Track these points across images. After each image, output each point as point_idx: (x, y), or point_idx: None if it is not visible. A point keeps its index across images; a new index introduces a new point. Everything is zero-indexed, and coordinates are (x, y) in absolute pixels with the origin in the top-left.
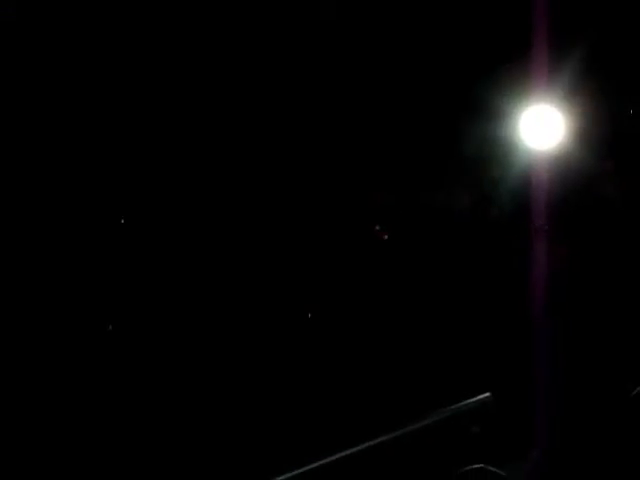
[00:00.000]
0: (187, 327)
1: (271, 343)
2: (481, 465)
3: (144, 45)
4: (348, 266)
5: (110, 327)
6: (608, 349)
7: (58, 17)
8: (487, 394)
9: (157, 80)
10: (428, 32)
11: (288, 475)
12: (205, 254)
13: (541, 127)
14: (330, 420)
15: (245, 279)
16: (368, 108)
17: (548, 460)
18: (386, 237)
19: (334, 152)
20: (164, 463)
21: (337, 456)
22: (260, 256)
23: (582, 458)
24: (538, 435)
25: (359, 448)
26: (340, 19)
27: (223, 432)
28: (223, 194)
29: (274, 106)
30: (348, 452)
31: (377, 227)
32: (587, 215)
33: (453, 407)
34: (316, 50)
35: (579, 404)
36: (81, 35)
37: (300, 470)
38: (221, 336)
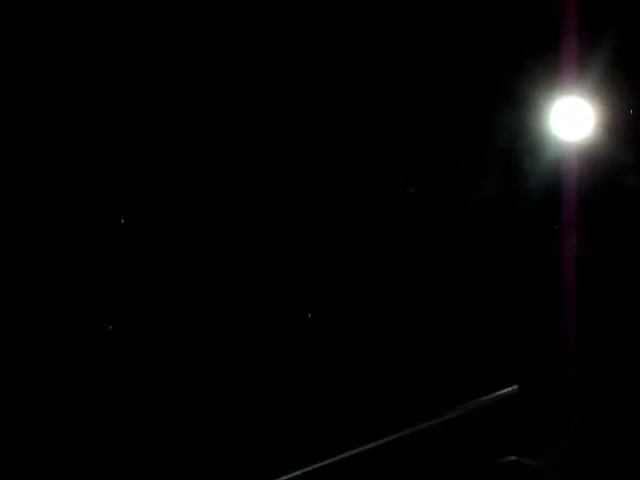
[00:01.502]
0: (187, 327)
1: (281, 342)
2: (514, 457)
3: (144, 45)
4: (370, 254)
5: (110, 327)
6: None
7: (58, 17)
8: (515, 386)
9: (157, 80)
10: (460, 22)
11: (306, 469)
12: (205, 253)
13: (571, 119)
14: (354, 412)
15: (245, 278)
16: (396, 97)
17: (580, 449)
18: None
19: (355, 144)
20: (164, 463)
21: (365, 448)
22: (260, 255)
23: (612, 447)
24: (568, 425)
25: (387, 440)
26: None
27: (223, 433)
28: (222, 193)
29: (300, 98)
30: (376, 444)
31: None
32: (616, 207)
33: (481, 399)
34: (348, 37)
35: (608, 394)
36: (81, 35)
37: (324, 462)
38: (221, 336)
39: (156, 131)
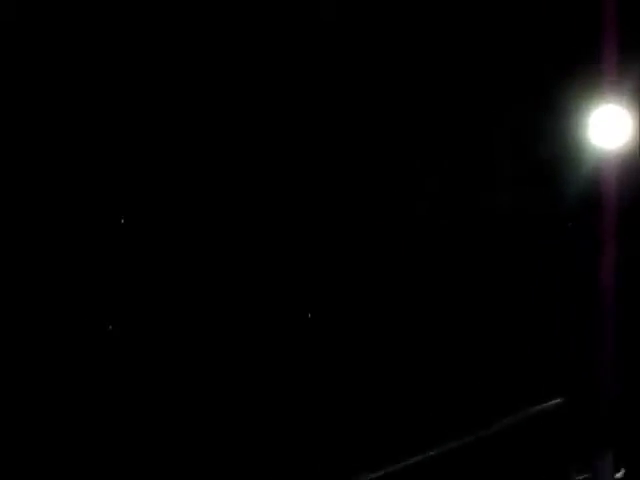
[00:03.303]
0: (187, 327)
1: (279, 343)
2: None
3: (144, 45)
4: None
5: (110, 327)
6: None
7: (58, 17)
8: (559, 399)
9: (157, 80)
10: (500, 31)
11: None
12: (205, 254)
13: (610, 127)
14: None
15: (245, 279)
16: (439, 104)
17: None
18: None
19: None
20: (164, 464)
21: (416, 459)
22: (260, 256)
23: None
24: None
25: (430, 454)
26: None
27: (222, 435)
28: (222, 193)
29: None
30: (422, 457)
31: None
32: None
33: (526, 412)
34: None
35: None
36: (81, 35)
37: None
38: (221, 336)
39: (156, 131)
